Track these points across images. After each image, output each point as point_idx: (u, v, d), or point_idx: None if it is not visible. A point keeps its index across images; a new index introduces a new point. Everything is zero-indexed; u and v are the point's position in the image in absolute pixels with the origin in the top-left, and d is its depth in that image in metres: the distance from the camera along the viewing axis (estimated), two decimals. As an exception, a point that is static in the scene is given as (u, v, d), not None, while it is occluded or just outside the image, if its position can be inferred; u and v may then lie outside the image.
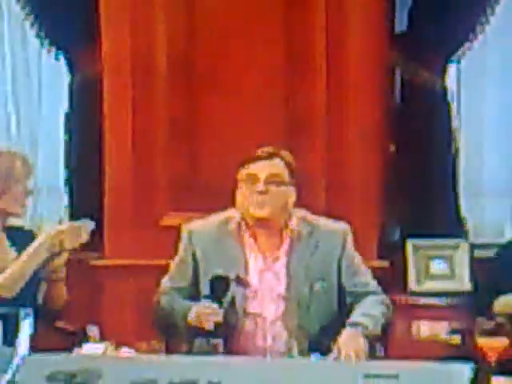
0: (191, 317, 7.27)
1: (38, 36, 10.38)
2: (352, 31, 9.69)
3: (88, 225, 8.01)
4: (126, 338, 7.51)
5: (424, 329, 9.24)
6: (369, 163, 9.65)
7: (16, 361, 4.58)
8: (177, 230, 8.02)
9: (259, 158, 7.66)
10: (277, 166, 7.60)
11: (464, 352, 7.90)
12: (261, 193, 7.49)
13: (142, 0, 9.89)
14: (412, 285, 9.58)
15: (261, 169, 7.60)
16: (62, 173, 10.37)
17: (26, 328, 6.12)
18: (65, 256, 7.88)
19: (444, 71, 10.03)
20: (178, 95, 9.72)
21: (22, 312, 6.07)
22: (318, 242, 7.67)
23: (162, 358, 5.84)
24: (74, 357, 5.61)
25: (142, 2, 9.87)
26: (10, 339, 6.10)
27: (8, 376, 4.40)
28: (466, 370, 4.29)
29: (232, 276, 7.42)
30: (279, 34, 9.69)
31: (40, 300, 7.93)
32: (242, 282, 7.53)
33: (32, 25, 10.41)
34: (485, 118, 10.43)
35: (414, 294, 9.55)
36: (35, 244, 7.67)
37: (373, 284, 7.72)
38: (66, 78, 10.41)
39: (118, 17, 9.85)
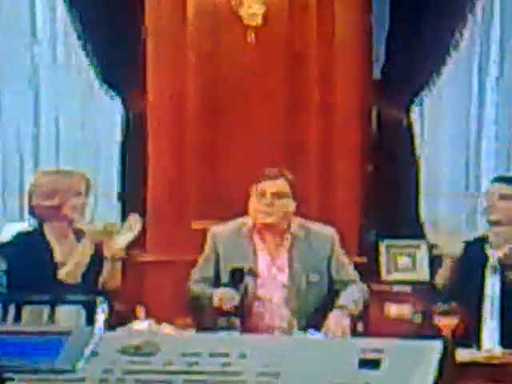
0: (215, 300, 7.76)
1: (100, 83, 10.31)
2: (341, 81, 9.80)
3: (137, 218, 8.54)
4: (165, 316, 7.95)
5: (393, 310, 9.34)
6: (352, 180, 9.85)
7: (95, 338, 4.33)
8: (204, 232, 8.48)
9: (267, 177, 8.10)
10: (281, 184, 8.06)
11: (424, 329, 8.31)
12: (268, 205, 8.00)
13: (178, 55, 9.88)
14: (384, 275, 9.78)
15: (268, 186, 8.05)
16: (116, 188, 10.34)
17: (101, 312, 6.59)
18: (119, 247, 8.35)
19: (409, 108, 10.10)
20: (205, 129, 9.79)
21: (98, 299, 6.44)
22: (312, 242, 8.17)
23: (202, 335, 5.89)
24: (136, 332, 5.98)
25: (178, 57, 9.87)
26: (88, 322, 6.83)
27: (89, 351, 4.14)
28: (437, 346, 3.91)
29: (245, 268, 7.88)
30: (281, 84, 9.76)
31: (100, 285, 8.25)
32: (253, 273, 7.99)
33: (96, 75, 10.33)
34: (441, 145, 10.55)
35: (385, 282, 9.75)
36: (84, 239, 8.18)
37: (354, 275, 8.24)
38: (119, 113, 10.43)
39: (160, 67, 9.93)
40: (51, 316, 5.89)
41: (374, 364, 3.51)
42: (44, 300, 6.24)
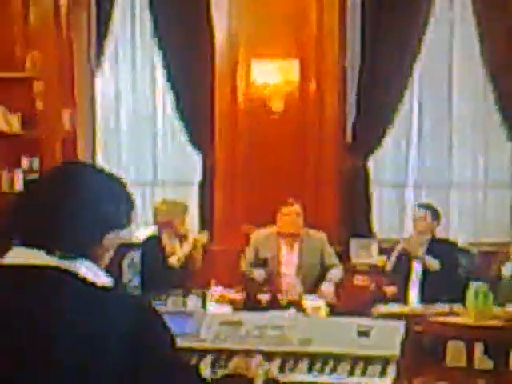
0: (255, 276, 8.36)
1: (190, 144, 10.27)
2: (328, 145, 9.92)
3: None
4: (226, 283, 8.32)
5: (358, 281, 9.36)
6: (334, 206, 9.96)
7: (207, 316, 4.92)
8: (249, 233, 9.01)
9: (290, 204, 8.49)
10: (298, 208, 8.47)
11: (376, 293, 8.73)
12: (292, 221, 8.47)
13: (232, 129, 9.97)
14: (353, 260, 9.85)
15: (293, 209, 8.46)
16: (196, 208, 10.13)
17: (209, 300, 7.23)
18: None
19: (367, 157, 10.12)
20: (249, 172, 9.91)
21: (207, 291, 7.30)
22: (311, 241, 8.62)
23: (267, 314, 6.28)
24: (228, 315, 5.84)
25: (232, 130, 9.97)
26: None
27: (205, 323, 4.48)
28: (401, 325, 4.47)
29: (269, 258, 8.51)
30: (292, 148, 9.90)
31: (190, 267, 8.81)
32: (275, 259, 8.52)
33: (189, 139, 10.25)
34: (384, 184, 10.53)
35: (354, 264, 9.78)
36: (187, 240, 8.79)
37: (336, 260, 8.72)
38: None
39: (222, 136, 10.01)
40: (184, 302, 6.64)
41: (366, 333, 4.13)
42: (179, 293, 6.99)
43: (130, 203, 2.57)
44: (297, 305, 7.87)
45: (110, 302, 2.38)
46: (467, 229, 10.19)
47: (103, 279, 2.43)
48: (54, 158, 9.37)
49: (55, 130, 9.58)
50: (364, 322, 4.26)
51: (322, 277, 8.50)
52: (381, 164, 10.41)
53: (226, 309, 7.49)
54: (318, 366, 3.70)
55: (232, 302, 7.79)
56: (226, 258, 9.10)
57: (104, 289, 2.41)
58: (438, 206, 9.21)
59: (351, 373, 3.67)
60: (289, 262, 8.54)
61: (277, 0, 9.74)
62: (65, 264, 2.37)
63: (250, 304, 7.98)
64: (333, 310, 7.82)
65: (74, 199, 2.42)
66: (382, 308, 8.04)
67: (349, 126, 10.23)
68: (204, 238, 9.62)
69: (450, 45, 10.19)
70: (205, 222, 10.17)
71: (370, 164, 10.28)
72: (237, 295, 8.04)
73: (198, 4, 10.01)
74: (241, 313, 4.74)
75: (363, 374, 3.66)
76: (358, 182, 10.26)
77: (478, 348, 7.86)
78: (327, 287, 8.28)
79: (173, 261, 8.51)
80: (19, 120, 9.36)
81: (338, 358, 3.75)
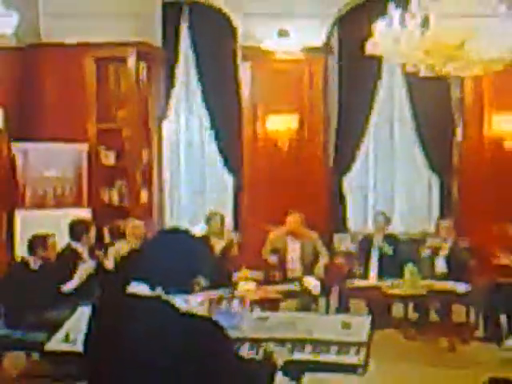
0: (270, 261, 8.22)
1: (224, 167, 10.03)
2: (316, 171, 9.71)
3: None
4: (253, 266, 8.08)
5: (340, 260, 9.10)
6: (322, 211, 9.65)
7: (244, 314, 4.29)
8: (267, 232, 8.60)
9: (292, 214, 8.26)
10: (297, 216, 8.25)
11: (351, 271, 8.36)
12: (297, 224, 8.23)
13: (253, 156, 9.78)
14: (335, 248, 9.57)
15: (293, 217, 8.24)
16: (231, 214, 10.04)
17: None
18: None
19: (342, 177, 9.95)
20: (266, 188, 9.60)
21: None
22: (308, 238, 8.32)
23: (283, 314, 5.18)
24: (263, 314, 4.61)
25: (253, 155, 9.78)
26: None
27: (242, 319, 4.04)
28: (368, 318, 4.10)
29: (280, 248, 8.27)
30: (294, 171, 9.67)
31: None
32: (284, 250, 8.28)
33: (224, 163, 10.07)
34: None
35: (336, 251, 9.47)
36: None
37: (324, 250, 8.41)
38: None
39: (248, 159, 9.79)
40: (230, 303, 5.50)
41: (348, 326, 3.90)
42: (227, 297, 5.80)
43: (208, 257, 2.63)
44: (297, 280, 7.86)
45: (190, 325, 2.32)
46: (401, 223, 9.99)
47: (187, 306, 2.42)
48: (135, 182, 9.46)
49: (137, 163, 9.54)
50: (346, 318, 4.12)
51: (315, 261, 8.28)
52: (351, 182, 10.24)
53: (251, 285, 7.29)
54: (318, 348, 3.68)
55: (255, 280, 7.60)
56: (252, 248, 8.75)
57: (189, 314, 2.37)
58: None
59: (338, 352, 3.67)
60: (293, 252, 8.31)
61: (282, 72, 9.61)
62: (164, 296, 2.39)
63: (268, 280, 7.90)
64: (322, 284, 7.81)
65: (172, 256, 2.43)
66: (354, 282, 7.96)
67: (331, 156, 10.12)
68: (236, 235, 9.36)
69: (391, 109, 10.11)
70: (237, 223, 10.06)
71: (345, 181, 10.14)
72: (259, 274, 7.94)
73: (231, 76, 10.01)
74: (267, 312, 4.39)
75: (346, 353, 3.66)
76: (337, 194, 10.15)
77: (411, 307, 7.90)
78: (320, 270, 8.13)
79: (215, 251, 7.99)
80: (114, 155, 9.36)
81: (329, 343, 3.72)
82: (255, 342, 3.59)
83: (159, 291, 2.40)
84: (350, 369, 3.58)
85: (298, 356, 3.56)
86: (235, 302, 4.19)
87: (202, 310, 3.74)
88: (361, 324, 3.95)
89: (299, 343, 3.68)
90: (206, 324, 2.37)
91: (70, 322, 4.24)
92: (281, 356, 2.99)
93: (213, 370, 2.28)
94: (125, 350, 2.32)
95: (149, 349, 2.28)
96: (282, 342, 3.59)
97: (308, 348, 3.67)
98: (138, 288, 2.41)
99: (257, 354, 3.20)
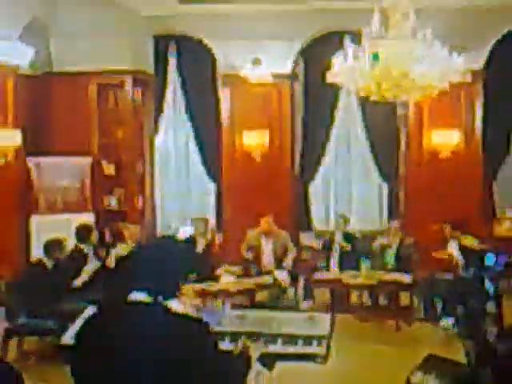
0: (247, 256, 7.97)
1: (208, 176, 9.89)
2: (285, 178, 9.71)
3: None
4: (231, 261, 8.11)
5: (305, 256, 9.07)
6: (290, 213, 9.60)
7: (225, 312, 4.43)
8: (244, 232, 8.28)
9: (265, 216, 8.05)
10: (269, 219, 8.09)
11: (315, 265, 8.32)
12: (269, 224, 8.07)
13: (233, 169, 9.69)
14: (302, 244, 9.56)
15: (266, 219, 8.08)
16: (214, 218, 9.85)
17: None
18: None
19: (307, 184, 9.91)
20: (243, 197, 9.48)
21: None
22: (278, 236, 8.15)
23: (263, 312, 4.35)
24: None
25: (232, 169, 9.68)
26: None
27: (223, 317, 3.88)
28: (328, 316, 3.91)
29: (254, 245, 8.04)
30: (267, 183, 9.67)
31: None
32: (259, 247, 8.06)
33: (208, 173, 9.98)
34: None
35: (302, 246, 9.44)
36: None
37: (292, 246, 8.23)
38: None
39: (227, 172, 9.74)
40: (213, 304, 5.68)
41: (310, 319, 3.84)
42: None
43: (192, 263, 2.66)
44: (270, 273, 7.85)
45: (184, 325, 2.28)
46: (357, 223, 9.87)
47: (181, 309, 2.44)
48: (132, 190, 9.45)
49: (133, 173, 9.52)
50: (310, 315, 3.99)
51: (284, 255, 8.11)
52: (315, 188, 10.24)
53: (231, 278, 7.30)
54: (287, 341, 3.62)
55: (234, 273, 7.65)
56: (232, 246, 8.65)
57: (183, 315, 2.34)
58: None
59: (304, 343, 3.62)
60: (266, 248, 8.17)
61: (255, 95, 9.67)
62: (161, 301, 2.34)
63: (245, 273, 7.82)
64: (291, 275, 7.83)
65: (163, 262, 2.37)
66: (318, 275, 7.92)
67: (297, 167, 10.09)
68: (218, 234, 9.13)
69: (348, 127, 10.14)
70: (219, 224, 9.96)
71: (310, 188, 10.14)
72: (237, 268, 7.87)
73: (212, 98, 10.05)
74: (245, 310, 4.34)
75: (309, 344, 3.61)
76: (303, 198, 10.15)
77: (365, 295, 7.92)
78: (282, 273, 7.85)
79: (199, 249, 7.79)
80: (114, 167, 9.36)
81: (297, 337, 3.66)
82: (234, 336, 3.50)
83: (156, 298, 2.33)
84: (314, 357, 3.57)
85: (271, 348, 3.51)
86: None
87: (191, 311, 3.49)
88: (323, 320, 3.92)
89: (272, 337, 3.63)
90: (196, 322, 2.33)
91: (80, 320, 4.04)
92: (257, 348, 2.97)
93: (200, 359, 2.23)
94: (122, 349, 2.22)
95: (148, 345, 2.21)
96: (257, 335, 3.51)
97: (279, 341, 3.63)
98: (138, 296, 2.34)
99: (235, 346, 3.07)
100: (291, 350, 3.58)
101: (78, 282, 6.47)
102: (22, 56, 7.64)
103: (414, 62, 6.15)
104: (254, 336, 3.42)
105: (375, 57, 6.23)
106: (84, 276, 6.54)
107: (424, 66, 6.11)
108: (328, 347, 3.62)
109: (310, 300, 7.87)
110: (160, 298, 2.33)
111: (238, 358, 2.84)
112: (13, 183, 7.84)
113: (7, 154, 7.39)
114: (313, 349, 3.63)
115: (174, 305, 2.39)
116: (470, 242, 7.38)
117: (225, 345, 3.39)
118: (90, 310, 3.57)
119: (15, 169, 7.82)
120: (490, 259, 6.57)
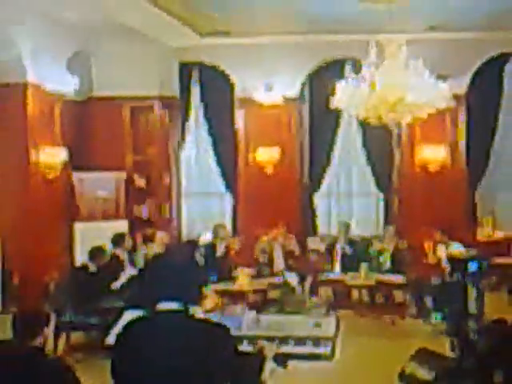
0: (261, 259, 7.80)
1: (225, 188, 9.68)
2: (295, 188, 9.55)
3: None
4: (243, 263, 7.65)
5: (312, 258, 8.42)
6: (299, 220, 9.48)
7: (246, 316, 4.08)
8: (257, 238, 8.35)
9: (277, 225, 8.17)
10: (280, 227, 8.17)
11: (321, 267, 7.99)
12: (277, 232, 8.10)
13: (249, 180, 9.57)
14: (309, 247, 9.10)
15: (277, 229, 8.16)
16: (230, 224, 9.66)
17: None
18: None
19: (314, 193, 9.76)
20: (253, 206, 9.30)
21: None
22: (287, 239, 8.20)
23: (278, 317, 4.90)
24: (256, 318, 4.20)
25: (248, 180, 9.56)
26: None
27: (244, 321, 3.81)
28: (333, 320, 3.86)
29: (265, 249, 7.90)
30: (278, 193, 9.48)
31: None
32: (271, 251, 7.94)
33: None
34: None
35: (309, 250, 8.93)
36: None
37: (298, 247, 8.31)
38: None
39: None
40: (235, 310, 4.82)
41: (318, 325, 3.88)
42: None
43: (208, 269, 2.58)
44: (281, 274, 7.80)
45: (208, 330, 2.23)
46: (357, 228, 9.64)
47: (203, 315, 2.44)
48: (161, 200, 9.37)
49: (161, 185, 9.43)
50: (317, 319, 4.05)
51: (291, 255, 8.10)
52: (320, 197, 10.06)
53: (247, 279, 7.11)
54: (298, 342, 3.64)
55: (248, 275, 7.37)
56: (246, 250, 8.34)
57: (206, 321, 2.32)
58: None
59: (312, 345, 3.64)
60: (277, 252, 8.08)
61: (267, 116, 9.53)
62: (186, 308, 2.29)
63: (259, 275, 7.64)
64: (300, 276, 7.74)
65: (187, 271, 2.32)
66: (323, 276, 7.86)
67: (305, 179, 9.95)
68: (235, 240, 8.71)
69: (349, 144, 9.95)
70: (235, 230, 9.78)
71: (315, 197, 9.98)
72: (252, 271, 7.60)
73: (229, 119, 9.95)
74: (261, 315, 4.18)
75: (317, 346, 3.64)
76: (309, 207, 9.98)
77: (364, 293, 7.84)
78: (291, 274, 7.69)
79: (219, 253, 7.74)
80: (144, 180, 9.30)
81: (305, 338, 3.69)
82: (251, 339, 3.46)
83: (186, 306, 2.26)
84: (321, 357, 3.62)
85: (284, 349, 3.51)
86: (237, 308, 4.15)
87: (213, 317, 3.59)
88: (329, 323, 3.99)
89: (284, 339, 3.65)
90: (219, 327, 2.28)
91: (120, 324, 4.00)
92: (271, 349, 2.93)
93: (222, 360, 2.19)
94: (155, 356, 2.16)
95: (178, 349, 2.17)
96: (272, 338, 3.50)
97: (291, 342, 3.67)
98: (168, 305, 2.26)
99: (253, 347, 3.00)
100: (301, 350, 3.63)
101: (116, 284, 6.54)
102: (67, 84, 7.77)
103: (407, 90, 6.28)
104: (268, 338, 3.38)
105: (373, 85, 6.36)
106: (122, 279, 6.61)
107: (415, 93, 6.22)
108: (333, 347, 3.71)
109: (315, 297, 7.81)
110: (189, 306, 2.27)
111: (254, 357, 2.84)
112: (59, 194, 7.90)
113: (55, 169, 7.55)
114: (320, 349, 3.68)
115: (198, 312, 2.47)
116: (456, 250, 7.35)
117: (243, 347, 3.38)
118: (129, 315, 3.48)
119: (61, 181, 7.89)
120: (472, 266, 6.57)
